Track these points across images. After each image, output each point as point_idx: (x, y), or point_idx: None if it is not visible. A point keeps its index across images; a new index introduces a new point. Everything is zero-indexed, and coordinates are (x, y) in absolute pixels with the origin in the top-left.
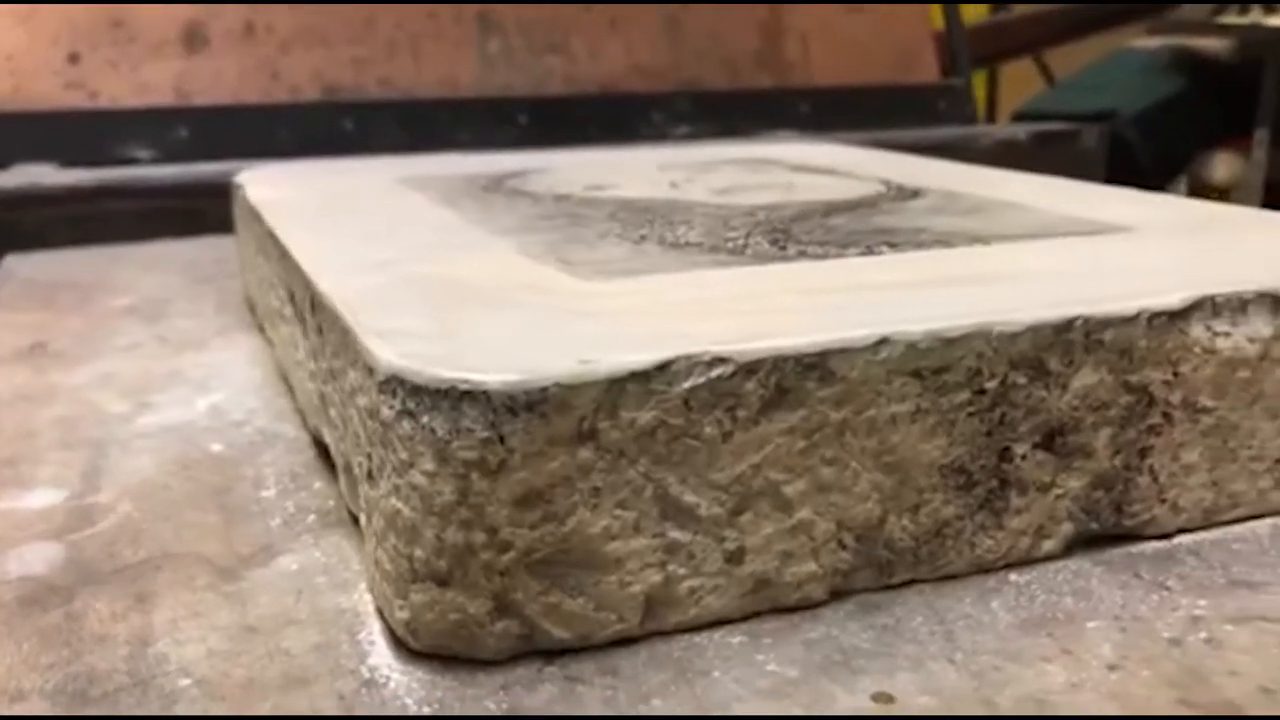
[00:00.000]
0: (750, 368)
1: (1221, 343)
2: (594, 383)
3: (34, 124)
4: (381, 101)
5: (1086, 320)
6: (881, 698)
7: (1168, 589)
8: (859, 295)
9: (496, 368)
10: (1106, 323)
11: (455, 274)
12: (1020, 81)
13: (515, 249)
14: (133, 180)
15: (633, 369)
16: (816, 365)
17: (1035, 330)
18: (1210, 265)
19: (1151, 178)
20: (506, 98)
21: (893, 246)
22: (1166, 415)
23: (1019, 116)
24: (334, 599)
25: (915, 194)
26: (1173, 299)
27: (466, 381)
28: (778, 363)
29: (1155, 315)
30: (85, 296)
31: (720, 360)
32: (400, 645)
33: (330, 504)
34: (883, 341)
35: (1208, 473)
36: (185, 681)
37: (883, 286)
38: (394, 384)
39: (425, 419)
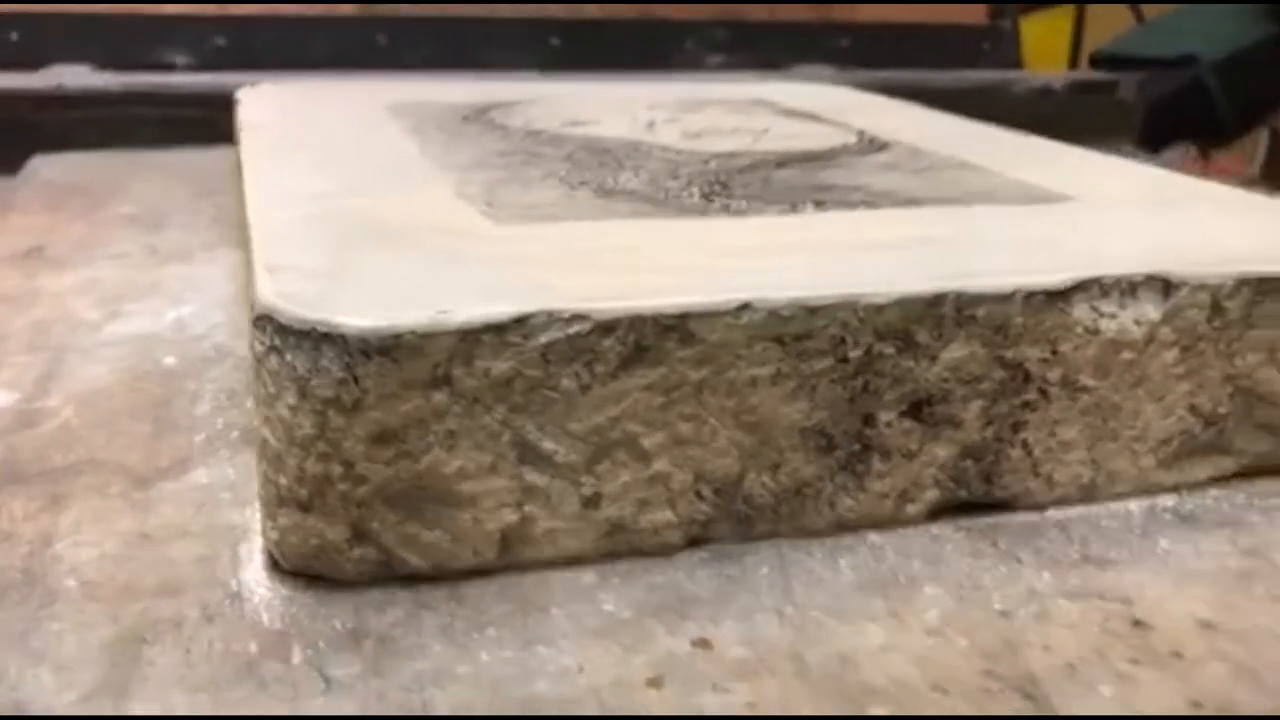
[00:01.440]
0: (608, 326)
1: (1106, 324)
2: (448, 332)
3: (75, 25)
4: (416, 18)
5: (959, 295)
6: (700, 643)
7: (1019, 561)
8: (745, 257)
9: (356, 312)
10: (980, 299)
11: (379, 211)
12: (1111, 20)
13: (453, 187)
14: (159, 87)
15: (488, 321)
16: (676, 327)
17: (903, 303)
18: (1122, 242)
19: (1230, 127)
20: (541, 18)
21: (818, 205)
22: (1043, 391)
23: (1097, 58)
24: (229, 515)
25: (881, 148)
26: (1055, 278)
27: (325, 324)
28: (635, 322)
29: (1032, 294)
30: (94, 202)
31: (579, 317)
32: (274, 564)
33: (256, 423)
34: (744, 307)
35: (1086, 450)
36: (71, 582)
37: (776, 248)
38: (264, 321)
39: (289, 356)
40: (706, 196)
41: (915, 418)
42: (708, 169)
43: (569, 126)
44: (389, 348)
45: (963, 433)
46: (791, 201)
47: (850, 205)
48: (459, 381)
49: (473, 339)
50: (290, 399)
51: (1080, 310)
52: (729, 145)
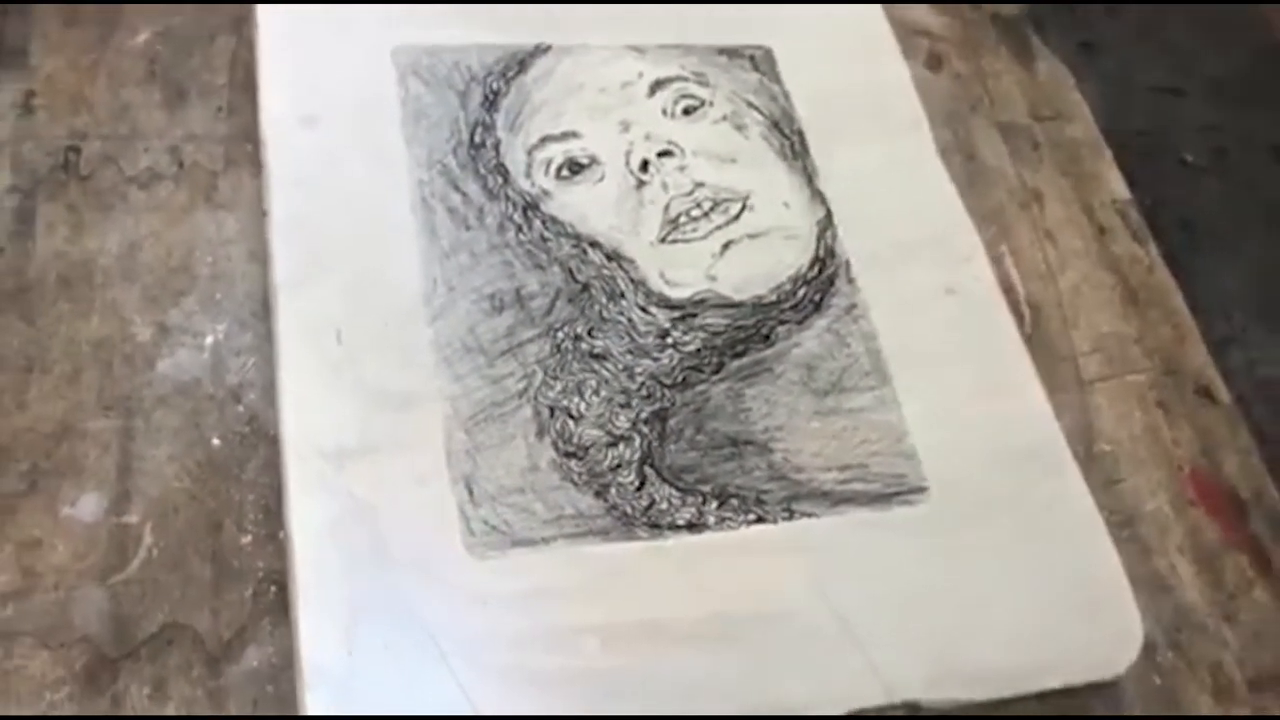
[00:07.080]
0: None
1: None
2: None
3: None
4: None
5: None
6: None
7: None
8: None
9: None
10: None
11: (382, 528)
12: None
13: (444, 429)
14: None
15: None
16: None
17: None
18: (918, 635)
19: None
20: None
21: (721, 503)
22: None
23: None
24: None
25: (825, 290)
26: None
27: None
28: None
29: None
30: (109, 20)
31: None
32: None
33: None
34: None
35: None
36: None
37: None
38: None
39: None
40: (641, 473)
41: None
42: (660, 369)
43: (565, 180)
44: None
45: None
46: (699, 493)
47: (745, 508)
48: None
49: None
50: None
51: None
52: (697, 280)
